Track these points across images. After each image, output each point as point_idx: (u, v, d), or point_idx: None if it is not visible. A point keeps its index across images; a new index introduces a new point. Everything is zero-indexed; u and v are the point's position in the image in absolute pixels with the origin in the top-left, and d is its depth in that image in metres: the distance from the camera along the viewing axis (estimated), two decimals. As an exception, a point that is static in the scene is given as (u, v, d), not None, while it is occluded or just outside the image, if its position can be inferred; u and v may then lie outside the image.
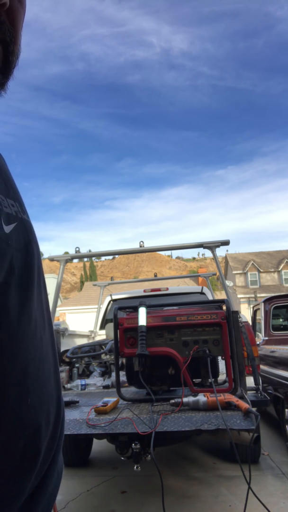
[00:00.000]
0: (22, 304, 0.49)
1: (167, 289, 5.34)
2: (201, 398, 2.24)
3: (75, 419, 2.22)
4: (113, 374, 3.42)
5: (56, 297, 4.11)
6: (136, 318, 2.54)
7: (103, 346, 3.85)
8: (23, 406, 0.46)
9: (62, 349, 3.71)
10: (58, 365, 0.61)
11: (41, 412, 0.50)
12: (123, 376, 2.91)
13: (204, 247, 4.30)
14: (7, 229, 0.50)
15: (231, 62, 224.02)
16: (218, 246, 4.28)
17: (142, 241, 4.57)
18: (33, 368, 0.49)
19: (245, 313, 12.72)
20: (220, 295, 7.33)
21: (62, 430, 0.60)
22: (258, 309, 5.93)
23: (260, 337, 5.45)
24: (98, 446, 4.10)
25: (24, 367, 0.47)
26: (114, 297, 5.72)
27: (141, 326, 2.49)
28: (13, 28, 0.51)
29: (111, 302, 5.72)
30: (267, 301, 5.54)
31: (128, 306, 2.78)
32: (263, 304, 5.55)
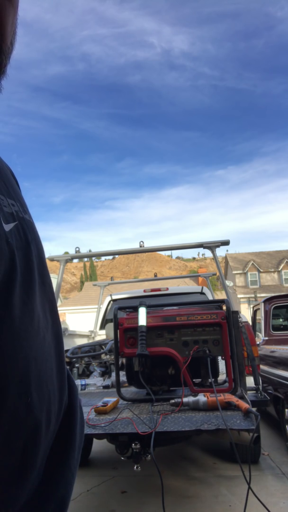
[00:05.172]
0: (24, 302, 0.49)
1: (167, 289, 5.34)
2: (201, 398, 2.24)
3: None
4: (113, 374, 3.42)
5: (56, 297, 4.11)
6: (136, 318, 2.54)
7: (103, 346, 3.85)
8: (23, 405, 0.46)
9: (64, 349, 3.72)
10: (64, 364, 0.61)
11: (42, 412, 0.50)
12: (123, 376, 2.91)
13: (204, 247, 4.31)
14: (7, 227, 0.50)
15: (231, 62, 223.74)
16: (218, 246, 4.28)
17: (142, 241, 4.57)
18: (35, 367, 0.49)
19: (245, 313, 12.72)
20: (220, 295, 7.33)
21: (73, 433, 0.59)
22: (258, 309, 5.94)
23: (260, 337, 5.45)
24: (98, 446, 4.10)
25: (25, 366, 0.47)
26: (114, 297, 5.72)
27: (141, 326, 2.49)
28: (1, 26, 0.50)
29: (111, 302, 5.72)
30: (267, 301, 5.55)
31: (128, 306, 2.78)
32: (263, 304, 5.56)
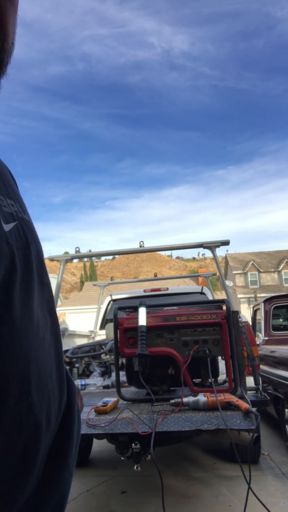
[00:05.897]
0: (24, 302, 0.49)
1: (167, 289, 5.34)
2: (201, 398, 2.24)
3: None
4: (113, 374, 3.42)
5: (56, 297, 4.11)
6: (136, 318, 2.54)
7: (103, 346, 3.85)
8: (24, 405, 0.46)
9: (62, 349, 3.72)
10: (62, 364, 0.61)
11: (42, 411, 0.50)
12: (123, 376, 2.91)
13: (204, 247, 4.31)
14: (7, 227, 0.50)
15: (231, 62, 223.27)
16: (218, 246, 4.29)
17: (142, 241, 4.57)
18: (35, 367, 0.49)
19: (245, 313, 12.71)
20: (220, 295, 7.32)
21: (71, 432, 0.59)
22: (258, 309, 5.94)
23: (260, 337, 5.45)
24: (98, 446, 4.10)
25: (26, 365, 0.47)
26: (114, 297, 5.72)
27: (141, 326, 2.49)
28: (2, 25, 0.51)
29: (111, 302, 5.72)
30: (267, 301, 5.55)
31: (128, 306, 2.78)
32: (263, 304, 5.56)
